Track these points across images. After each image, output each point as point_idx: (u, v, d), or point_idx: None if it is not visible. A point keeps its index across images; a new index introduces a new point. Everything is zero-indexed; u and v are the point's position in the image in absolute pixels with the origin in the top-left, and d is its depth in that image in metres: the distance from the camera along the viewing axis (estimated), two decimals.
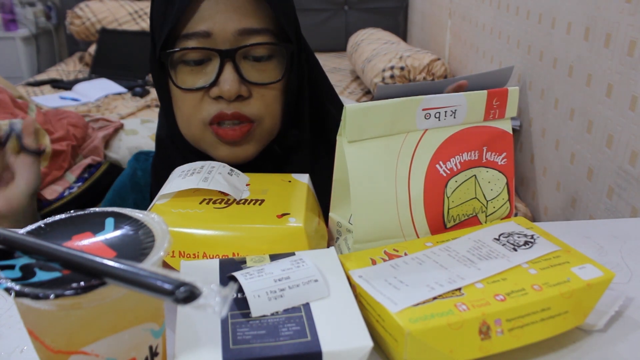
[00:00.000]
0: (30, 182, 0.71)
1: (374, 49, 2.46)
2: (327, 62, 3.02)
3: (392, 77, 2.17)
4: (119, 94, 2.43)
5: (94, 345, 0.29)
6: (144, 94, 2.42)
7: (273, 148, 0.68)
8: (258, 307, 0.37)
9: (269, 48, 0.62)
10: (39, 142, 0.72)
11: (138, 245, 0.31)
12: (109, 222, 0.34)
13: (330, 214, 0.51)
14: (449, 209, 0.49)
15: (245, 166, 0.66)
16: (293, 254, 0.43)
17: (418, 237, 0.48)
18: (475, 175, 0.50)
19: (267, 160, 0.68)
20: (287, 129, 0.67)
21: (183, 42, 0.60)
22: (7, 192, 0.69)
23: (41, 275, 0.29)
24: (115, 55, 2.71)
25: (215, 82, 0.61)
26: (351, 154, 0.45)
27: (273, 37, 0.62)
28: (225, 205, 0.49)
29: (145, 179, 0.78)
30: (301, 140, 0.69)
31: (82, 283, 0.28)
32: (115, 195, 0.77)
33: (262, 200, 0.50)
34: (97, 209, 0.35)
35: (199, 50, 0.60)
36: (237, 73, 0.60)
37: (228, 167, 0.54)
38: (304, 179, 0.56)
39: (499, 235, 0.47)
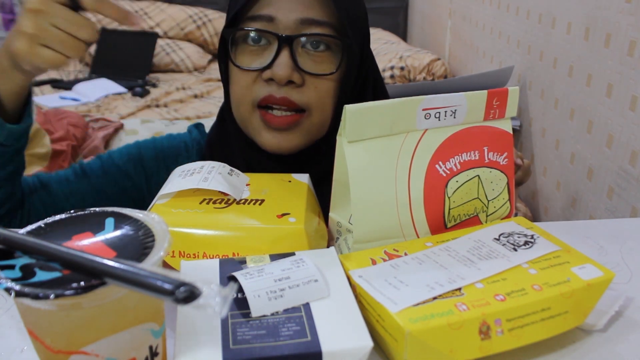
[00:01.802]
0: None
1: (373, 49, 2.45)
2: None
3: (392, 77, 2.16)
4: (119, 94, 2.43)
5: (94, 345, 0.29)
6: (144, 94, 2.41)
7: (319, 145, 0.67)
8: (258, 307, 0.37)
9: (327, 40, 0.63)
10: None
11: (138, 245, 0.31)
12: (109, 222, 0.34)
13: (330, 214, 0.51)
14: (449, 209, 0.49)
15: (293, 163, 0.66)
16: (293, 254, 0.43)
17: (418, 237, 0.48)
18: (478, 175, 0.50)
19: (315, 157, 0.67)
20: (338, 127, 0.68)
21: (247, 23, 0.63)
22: None
23: (41, 275, 0.29)
24: (115, 55, 2.71)
25: (269, 66, 0.62)
26: (351, 154, 0.45)
27: (334, 30, 0.63)
28: (225, 205, 0.49)
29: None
30: None
31: (82, 283, 0.28)
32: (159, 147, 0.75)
33: (262, 200, 0.50)
34: (97, 209, 0.35)
35: (259, 33, 0.62)
36: (292, 59, 0.61)
37: (228, 167, 0.54)
38: (304, 179, 0.56)
39: (499, 235, 0.47)
